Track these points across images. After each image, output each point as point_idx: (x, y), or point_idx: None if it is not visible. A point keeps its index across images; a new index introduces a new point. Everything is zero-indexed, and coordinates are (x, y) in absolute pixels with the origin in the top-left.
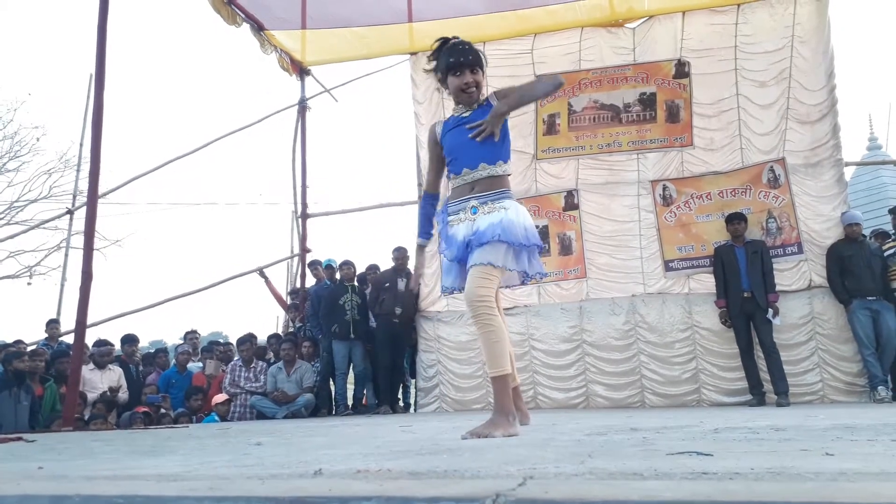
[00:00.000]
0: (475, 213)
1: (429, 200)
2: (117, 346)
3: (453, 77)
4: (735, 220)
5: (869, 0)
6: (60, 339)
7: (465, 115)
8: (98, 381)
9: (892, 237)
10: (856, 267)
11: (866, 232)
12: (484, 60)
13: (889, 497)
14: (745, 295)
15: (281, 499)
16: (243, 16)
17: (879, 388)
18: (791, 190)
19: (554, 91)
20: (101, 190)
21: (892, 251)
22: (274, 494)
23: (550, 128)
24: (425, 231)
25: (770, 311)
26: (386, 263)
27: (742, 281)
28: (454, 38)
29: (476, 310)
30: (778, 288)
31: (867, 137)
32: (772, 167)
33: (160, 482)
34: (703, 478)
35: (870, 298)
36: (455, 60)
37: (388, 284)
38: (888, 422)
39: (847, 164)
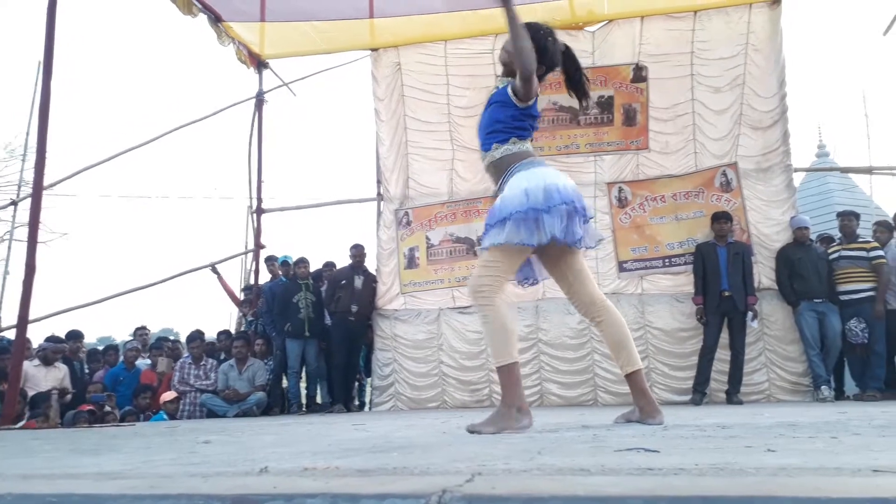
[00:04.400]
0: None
1: None
2: None
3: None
4: (719, 220)
5: (821, 13)
6: (1, 334)
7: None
8: (42, 378)
9: (838, 241)
10: (804, 270)
11: (813, 236)
12: (540, 39)
13: (826, 491)
14: (725, 294)
15: (224, 496)
16: (200, 6)
17: (823, 387)
18: (742, 194)
19: (519, 50)
20: (47, 181)
21: (836, 255)
22: (216, 492)
23: None
24: None
25: (750, 314)
26: (342, 261)
27: (722, 280)
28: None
29: (475, 301)
30: None
31: (816, 145)
32: (724, 171)
33: (99, 481)
34: (648, 473)
35: (816, 301)
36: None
37: (344, 282)
38: (829, 420)
39: (796, 171)
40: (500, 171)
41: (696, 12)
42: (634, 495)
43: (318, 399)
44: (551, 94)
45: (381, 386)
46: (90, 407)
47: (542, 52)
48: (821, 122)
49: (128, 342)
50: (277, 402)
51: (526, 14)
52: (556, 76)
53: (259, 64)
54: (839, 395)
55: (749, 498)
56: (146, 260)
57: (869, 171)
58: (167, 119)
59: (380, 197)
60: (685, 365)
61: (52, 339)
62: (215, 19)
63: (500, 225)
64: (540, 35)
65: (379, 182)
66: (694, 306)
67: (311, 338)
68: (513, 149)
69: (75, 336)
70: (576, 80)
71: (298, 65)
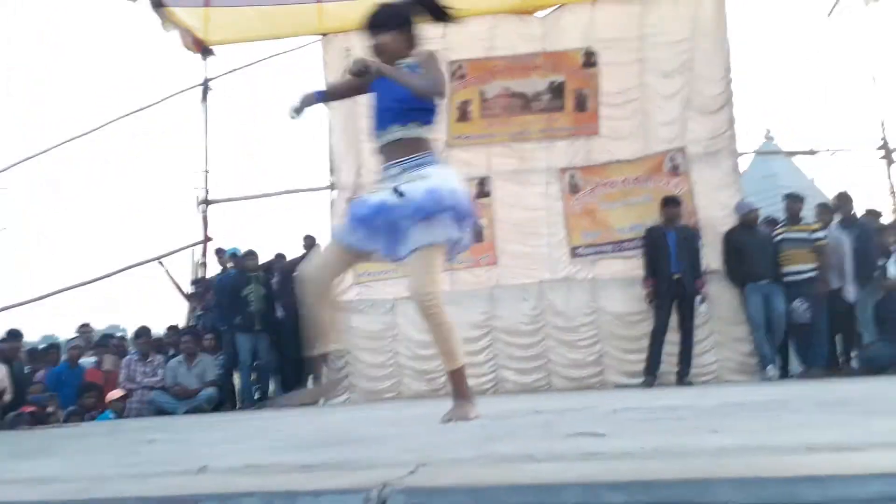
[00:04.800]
0: (397, 180)
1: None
2: None
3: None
4: (668, 204)
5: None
6: None
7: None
8: None
9: (782, 223)
10: (750, 252)
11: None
12: (402, 18)
13: (763, 470)
14: (675, 277)
15: (155, 498)
16: None
17: (769, 367)
18: (691, 178)
19: (424, 92)
20: None
21: (781, 237)
22: (147, 494)
23: (463, 115)
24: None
25: (699, 297)
26: (294, 252)
27: (671, 264)
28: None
29: (428, 308)
30: None
31: (765, 130)
32: (673, 156)
33: (28, 486)
34: (594, 458)
35: (762, 282)
36: (362, 24)
37: (296, 273)
38: (774, 398)
39: (742, 154)
40: (413, 150)
41: None
42: (576, 482)
43: (271, 393)
44: (504, 80)
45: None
46: (31, 408)
47: (415, 35)
48: (767, 106)
49: (70, 340)
50: (229, 398)
51: None
52: (507, 62)
53: (204, 50)
54: (784, 373)
55: (688, 480)
56: (91, 254)
57: (811, 153)
58: (111, 108)
59: (332, 186)
60: (636, 348)
61: None
62: (158, 3)
63: (459, 222)
64: (412, 22)
65: (331, 171)
66: (644, 290)
67: (262, 331)
68: (429, 134)
69: (14, 335)
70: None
71: (246, 51)
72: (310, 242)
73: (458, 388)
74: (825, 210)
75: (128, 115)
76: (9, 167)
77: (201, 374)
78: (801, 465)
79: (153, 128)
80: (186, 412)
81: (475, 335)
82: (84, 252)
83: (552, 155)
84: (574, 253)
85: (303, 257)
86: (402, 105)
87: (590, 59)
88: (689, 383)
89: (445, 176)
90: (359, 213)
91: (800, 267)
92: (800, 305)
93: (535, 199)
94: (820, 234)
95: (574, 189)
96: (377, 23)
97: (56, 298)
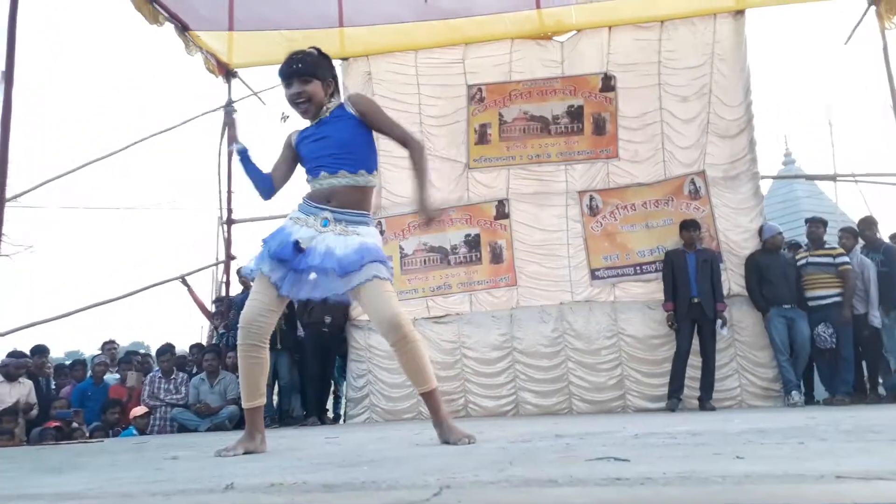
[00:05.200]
0: (326, 225)
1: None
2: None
3: (285, 89)
4: (688, 228)
5: (785, 23)
6: None
7: (310, 126)
8: (7, 394)
9: (805, 248)
10: (773, 276)
11: None
12: (327, 67)
13: (789, 498)
14: (694, 301)
15: None
16: (166, 15)
17: (793, 392)
18: (711, 202)
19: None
20: (10, 192)
21: (804, 261)
22: None
23: (482, 137)
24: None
25: (719, 321)
26: None
27: (691, 287)
28: (311, 48)
29: (408, 333)
30: None
31: (783, 154)
32: (693, 179)
33: (54, 501)
34: (615, 483)
35: (785, 306)
36: (282, 70)
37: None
38: (798, 425)
39: (763, 178)
40: (361, 201)
41: (662, 22)
42: None
43: (292, 412)
44: (523, 104)
45: (355, 398)
46: (56, 423)
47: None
48: (787, 130)
49: (96, 356)
50: None
51: (495, 24)
52: (526, 86)
53: (227, 73)
54: (809, 399)
55: None
56: (115, 272)
57: (833, 178)
58: (135, 129)
59: None
60: (658, 372)
61: (13, 355)
62: (182, 28)
63: (387, 266)
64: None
65: None
66: (665, 313)
67: (283, 350)
68: (371, 183)
69: (40, 351)
70: None
71: (268, 74)
72: None
73: (441, 406)
74: (849, 234)
75: (153, 135)
76: (39, 185)
77: (223, 392)
78: (829, 494)
79: (177, 147)
80: (208, 429)
81: (494, 356)
82: (107, 270)
83: (571, 177)
84: (594, 275)
85: None
86: (347, 149)
87: (608, 84)
88: (712, 408)
89: (373, 235)
90: (284, 252)
91: (824, 292)
92: (824, 331)
93: (555, 221)
94: (844, 259)
95: (593, 211)
96: (305, 71)
97: (80, 315)
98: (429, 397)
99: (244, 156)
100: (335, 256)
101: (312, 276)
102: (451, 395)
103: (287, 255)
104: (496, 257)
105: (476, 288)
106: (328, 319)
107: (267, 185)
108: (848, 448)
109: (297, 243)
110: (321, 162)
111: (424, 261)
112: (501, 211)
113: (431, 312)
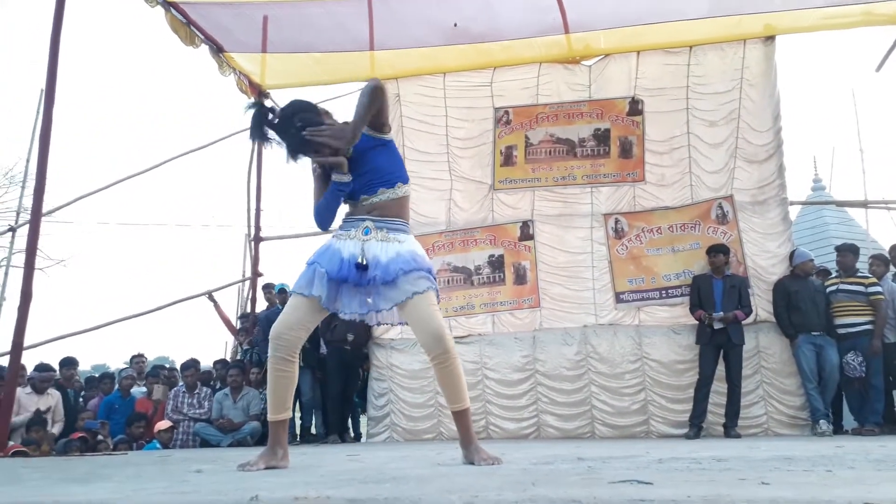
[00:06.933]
0: (367, 233)
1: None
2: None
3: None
4: (714, 253)
5: (815, 48)
6: None
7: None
8: (34, 405)
9: (834, 274)
10: (801, 302)
11: None
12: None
13: None
14: (720, 326)
15: None
16: (202, 37)
17: (821, 421)
18: (739, 226)
19: (372, 95)
20: (46, 207)
21: (834, 288)
22: None
23: (508, 159)
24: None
25: (720, 313)
26: None
27: (716, 313)
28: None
29: (450, 348)
30: None
31: (812, 179)
32: (720, 204)
33: None
34: None
35: (814, 333)
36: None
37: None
38: (825, 454)
39: (792, 203)
40: (397, 211)
41: (691, 47)
42: None
43: (313, 429)
44: (549, 126)
45: (376, 416)
46: (82, 435)
47: None
48: (816, 155)
49: (123, 370)
50: None
51: (523, 49)
52: (553, 109)
53: (260, 94)
54: (838, 429)
55: None
56: (143, 287)
57: (864, 204)
58: (167, 147)
59: None
60: (683, 398)
61: (40, 368)
62: (217, 50)
63: (431, 275)
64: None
65: None
66: (693, 342)
67: (306, 367)
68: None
69: (69, 363)
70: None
71: (299, 95)
72: None
73: (471, 427)
74: (880, 262)
75: (184, 154)
76: (73, 201)
77: (246, 408)
78: None
79: (208, 167)
80: (230, 445)
81: (517, 378)
82: (136, 284)
83: (597, 200)
84: (619, 298)
85: None
86: (385, 168)
87: (635, 108)
88: (737, 435)
89: (416, 244)
90: (332, 268)
91: (854, 319)
92: (854, 359)
93: (579, 243)
94: (876, 289)
95: (619, 234)
96: (310, 121)
97: (107, 329)
98: (460, 416)
99: (344, 188)
100: (381, 264)
101: (370, 300)
102: (472, 416)
103: (353, 277)
104: (520, 278)
105: (499, 309)
106: (350, 337)
107: (334, 217)
108: (878, 476)
109: (359, 264)
110: (357, 186)
111: (448, 280)
112: (526, 232)
113: (454, 332)
